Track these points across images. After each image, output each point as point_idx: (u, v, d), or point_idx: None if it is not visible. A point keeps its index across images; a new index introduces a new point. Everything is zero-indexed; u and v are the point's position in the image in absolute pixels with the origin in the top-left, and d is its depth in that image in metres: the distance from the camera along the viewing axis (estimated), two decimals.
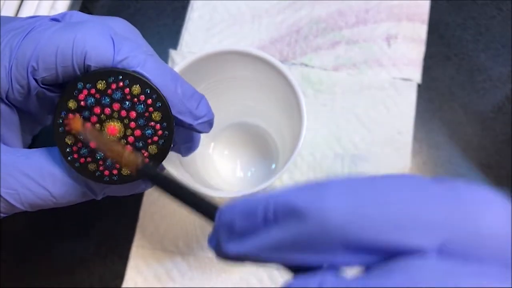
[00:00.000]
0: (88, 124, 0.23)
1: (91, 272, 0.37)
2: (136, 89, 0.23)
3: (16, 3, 0.40)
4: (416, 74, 0.40)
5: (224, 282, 0.37)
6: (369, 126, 0.39)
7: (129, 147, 0.24)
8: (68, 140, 0.24)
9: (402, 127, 0.39)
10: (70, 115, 0.23)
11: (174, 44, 0.42)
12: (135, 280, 0.37)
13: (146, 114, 0.24)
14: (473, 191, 0.16)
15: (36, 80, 0.23)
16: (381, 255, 0.15)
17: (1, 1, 0.40)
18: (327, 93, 0.41)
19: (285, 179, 0.38)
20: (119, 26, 0.26)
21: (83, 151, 0.24)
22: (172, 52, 0.42)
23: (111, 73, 0.23)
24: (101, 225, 0.38)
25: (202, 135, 0.29)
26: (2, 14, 0.39)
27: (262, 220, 0.17)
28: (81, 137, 0.23)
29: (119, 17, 0.26)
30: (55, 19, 0.25)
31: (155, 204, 0.38)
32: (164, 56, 0.42)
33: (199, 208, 0.20)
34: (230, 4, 0.44)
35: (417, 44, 0.41)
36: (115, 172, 0.24)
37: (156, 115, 0.24)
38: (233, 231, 0.17)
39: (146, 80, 0.23)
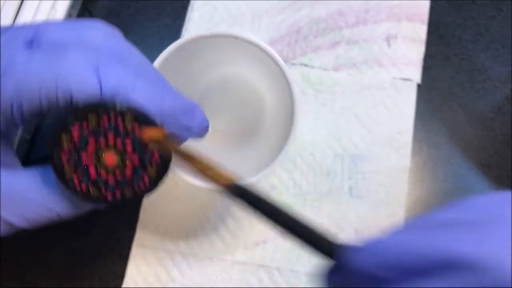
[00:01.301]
0: (176, 147, 0.23)
1: (91, 272, 0.37)
2: (128, 118, 0.23)
3: (16, 3, 0.40)
4: (416, 74, 0.40)
5: (224, 282, 0.37)
6: (369, 126, 0.39)
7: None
8: (67, 172, 0.24)
9: (402, 127, 0.39)
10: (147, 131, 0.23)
11: None
12: (135, 280, 0.37)
13: (142, 142, 0.24)
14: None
15: (21, 114, 0.23)
16: None
17: (1, 1, 0.40)
18: (327, 93, 0.41)
19: (284, 179, 0.38)
20: (99, 36, 0.24)
21: (84, 179, 0.24)
22: None
23: (100, 107, 0.23)
24: (101, 225, 0.38)
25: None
26: (2, 14, 0.39)
27: (410, 271, 0.15)
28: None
29: (96, 21, 0.25)
30: (27, 40, 0.23)
31: (156, 203, 0.38)
32: None
33: (300, 235, 0.18)
34: (230, 4, 0.44)
35: (417, 44, 0.41)
36: (118, 194, 0.24)
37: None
38: (375, 279, 0.15)
39: (136, 111, 0.23)
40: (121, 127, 0.23)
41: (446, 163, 0.39)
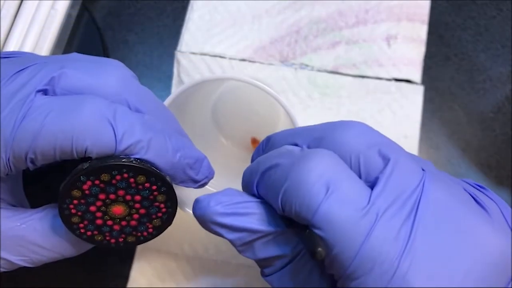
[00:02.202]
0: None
1: (91, 272, 0.37)
2: (141, 179, 0.23)
3: (16, 3, 0.40)
4: (416, 74, 0.40)
5: (229, 285, 0.36)
6: (375, 129, 0.39)
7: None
8: (75, 220, 0.24)
9: (408, 131, 0.39)
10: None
11: (174, 44, 0.42)
12: (139, 282, 0.37)
13: (151, 197, 0.24)
14: None
15: (34, 164, 0.23)
16: None
17: (1, 1, 0.40)
18: (333, 97, 0.40)
19: None
20: (117, 81, 0.24)
21: (90, 227, 0.24)
22: (178, 54, 0.42)
23: (114, 167, 0.23)
24: None
25: None
26: (2, 13, 0.39)
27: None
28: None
29: (113, 63, 0.25)
30: (42, 87, 0.23)
31: None
32: (165, 57, 0.42)
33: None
34: (230, 4, 0.44)
35: (417, 44, 0.41)
36: (121, 240, 0.25)
37: (161, 198, 0.24)
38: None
39: (150, 169, 0.23)
40: (132, 183, 0.23)
41: (446, 163, 0.39)
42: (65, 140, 0.22)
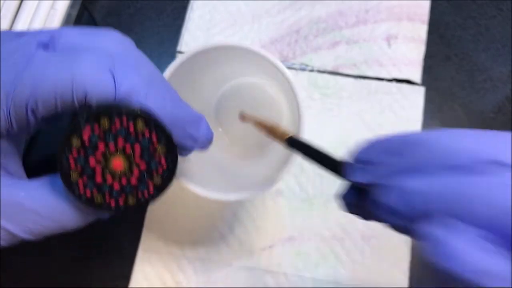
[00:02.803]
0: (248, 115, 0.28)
1: (91, 272, 0.37)
2: (140, 125, 0.23)
3: (16, 3, 0.40)
4: (416, 74, 0.40)
5: (230, 287, 0.36)
6: (376, 131, 0.39)
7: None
8: (74, 176, 0.24)
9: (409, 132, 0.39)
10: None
11: (174, 44, 0.42)
12: (140, 284, 0.37)
13: (151, 148, 0.24)
14: None
15: (35, 117, 0.23)
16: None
17: (1, 1, 0.40)
18: (334, 98, 0.40)
19: (291, 183, 0.38)
20: (113, 44, 0.25)
21: (89, 185, 0.24)
22: (178, 54, 0.42)
23: (114, 110, 0.23)
24: (103, 226, 0.38)
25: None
26: (2, 13, 0.39)
27: (393, 153, 0.20)
28: None
29: (110, 30, 0.25)
30: (43, 43, 0.24)
31: (162, 208, 0.38)
32: (165, 57, 0.42)
33: (329, 165, 0.24)
34: (230, 4, 0.43)
35: (417, 44, 0.41)
36: (121, 202, 0.24)
37: (161, 149, 0.24)
38: (367, 165, 0.21)
39: (149, 115, 0.23)
40: (132, 131, 0.23)
41: None
42: (65, 87, 0.22)
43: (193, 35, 0.43)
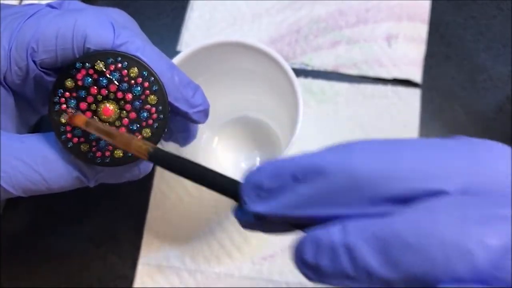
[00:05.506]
0: (91, 120, 0.23)
1: (91, 273, 0.37)
2: (134, 71, 0.24)
3: (16, 3, 0.40)
4: (416, 74, 0.40)
5: None
6: (373, 135, 0.39)
7: (138, 135, 0.24)
8: (63, 119, 0.24)
9: (406, 135, 0.39)
10: (69, 111, 0.24)
11: (174, 44, 0.42)
12: None
13: (142, 97, 0.24)
14: (484, 142, 0.17)
15: (35, 62, 0.23)
16: (403, 203, 0.16)
17: (1, 1, 0.39)
18: (330, 103, 0.40)
19: None
20: (118, 16, 0.26)
21: (77, 131, 0.24)
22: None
23: (110, 54, 0.23)
24: (103, 226, 0.38)
25: (206, 130, 0.29)
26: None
27: (290, 180, 0.17)
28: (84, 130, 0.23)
29: (118, 8, 0.27)
30: (53, 6, 0.25)
31: (160, 219, 0.38)
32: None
33: (217, 186, 0.19)
34: (230, 4, 0.43)
35: (418, 43, 0.41)
36: (107, 154, 0.24)
37: (152, 99, 0.24)
38: (261, 191, 0.18)
39: (144, 63, 0.24)
40: (125, 77, 0.24)
41: None
42: (67, 29, 0.23)
43: (193, 35, 0.43)
